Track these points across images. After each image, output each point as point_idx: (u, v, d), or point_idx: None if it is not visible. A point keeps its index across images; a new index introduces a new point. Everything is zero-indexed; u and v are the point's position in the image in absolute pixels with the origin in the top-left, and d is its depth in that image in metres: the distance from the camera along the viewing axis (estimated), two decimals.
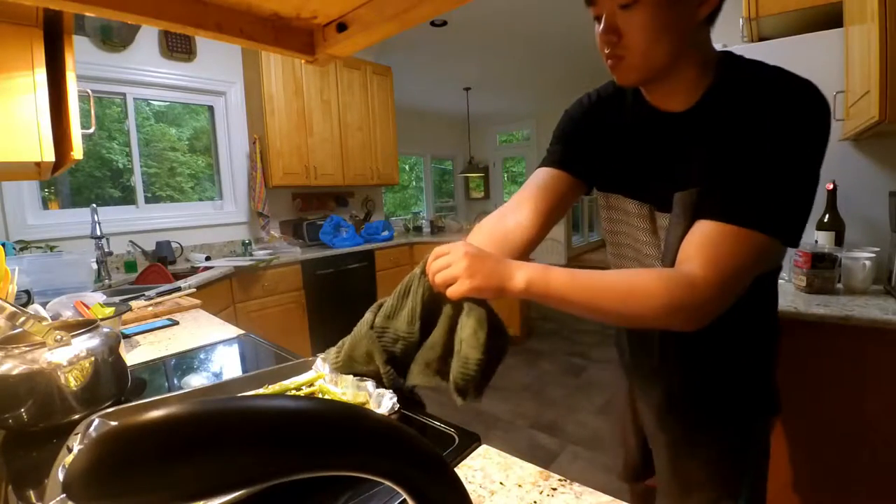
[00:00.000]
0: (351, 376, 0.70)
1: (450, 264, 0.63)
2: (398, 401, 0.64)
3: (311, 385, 0.72)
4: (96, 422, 0.58)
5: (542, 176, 0.83)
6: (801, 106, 0.60)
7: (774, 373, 0.82)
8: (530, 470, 0.57)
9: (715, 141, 0.65)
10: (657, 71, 0.66)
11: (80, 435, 0.55)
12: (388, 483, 0.21)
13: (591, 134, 0.81)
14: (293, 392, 0.70)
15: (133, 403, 0.67)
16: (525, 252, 0.79)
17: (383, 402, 0.63)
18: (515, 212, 0.81)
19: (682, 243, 0.64)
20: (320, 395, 0.68)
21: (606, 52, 0.67)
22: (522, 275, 0.62)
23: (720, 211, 0.61)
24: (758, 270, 0.63)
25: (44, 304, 1.08)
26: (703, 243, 0.61)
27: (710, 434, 0.80)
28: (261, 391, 0.70)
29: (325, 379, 0.73)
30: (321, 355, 0.78)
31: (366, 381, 0.68)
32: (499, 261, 0.64)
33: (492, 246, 0.76)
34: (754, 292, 0.68)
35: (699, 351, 0.79)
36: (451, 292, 0.62)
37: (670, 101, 0.71)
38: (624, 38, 0.64)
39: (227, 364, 1.08)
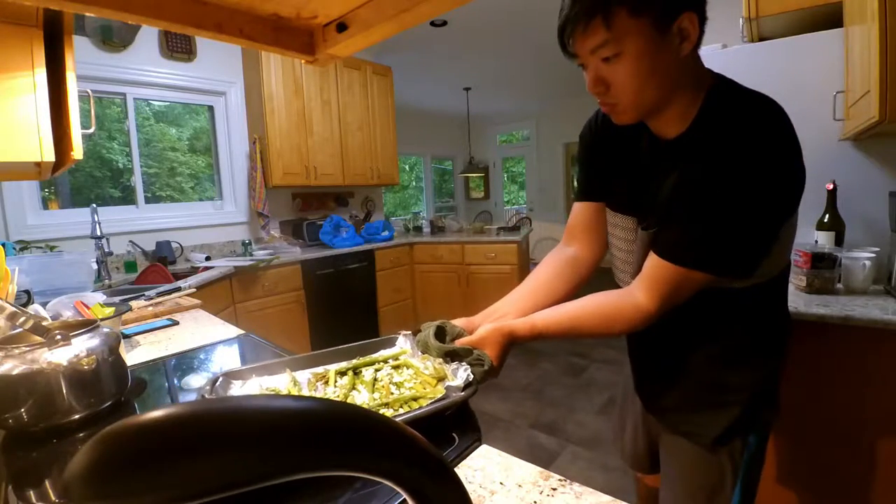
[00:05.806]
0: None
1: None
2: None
3: (396, 359, 0.77)
4: (221, 380, 0.65)
5: (575, 211, 0.94)
6: (764, 151, 0.62)
7: (777, 380, 0.82)
8: (530, 470, 0.57)
9: (684, 172, 0.69)
10: (651, 108, 0.69)
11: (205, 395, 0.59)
12: (388, 483, 0.21)
13: (601, 155, 0.86)
14: (381, 364, 0.75)
15: (253, 366, 0.72)
16: (588, 275, 0.93)
17: (458, 374, 0.68)
18: (568, 247, 0.94)
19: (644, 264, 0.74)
20: (405, 368, 0.73)
21: (598, 100, 0.71)
22: (518, 338, 0.75)
23: (666, 249, 0.69)
24: (703, 287, 0.69)
25: (44, 304, 1.08)
26: (650, 275, 0.71)
27: (698, 435, 0.80)
28: (354, 362, 0.76)
29: (407, 354, 0.78)
30: (403, 332, 0.84)
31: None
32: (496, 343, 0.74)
33: (559, 276, 0.90)
34: (746, 303, 0.74)
35: (690, 357, 0.81)
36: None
37: (664, 128, 0.73)
38: (612, 87, 0.67)
39: (227, 364, 1.08)
